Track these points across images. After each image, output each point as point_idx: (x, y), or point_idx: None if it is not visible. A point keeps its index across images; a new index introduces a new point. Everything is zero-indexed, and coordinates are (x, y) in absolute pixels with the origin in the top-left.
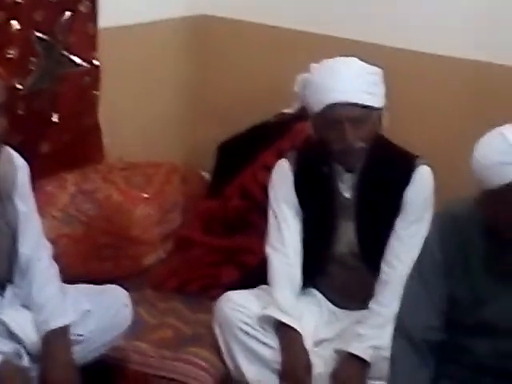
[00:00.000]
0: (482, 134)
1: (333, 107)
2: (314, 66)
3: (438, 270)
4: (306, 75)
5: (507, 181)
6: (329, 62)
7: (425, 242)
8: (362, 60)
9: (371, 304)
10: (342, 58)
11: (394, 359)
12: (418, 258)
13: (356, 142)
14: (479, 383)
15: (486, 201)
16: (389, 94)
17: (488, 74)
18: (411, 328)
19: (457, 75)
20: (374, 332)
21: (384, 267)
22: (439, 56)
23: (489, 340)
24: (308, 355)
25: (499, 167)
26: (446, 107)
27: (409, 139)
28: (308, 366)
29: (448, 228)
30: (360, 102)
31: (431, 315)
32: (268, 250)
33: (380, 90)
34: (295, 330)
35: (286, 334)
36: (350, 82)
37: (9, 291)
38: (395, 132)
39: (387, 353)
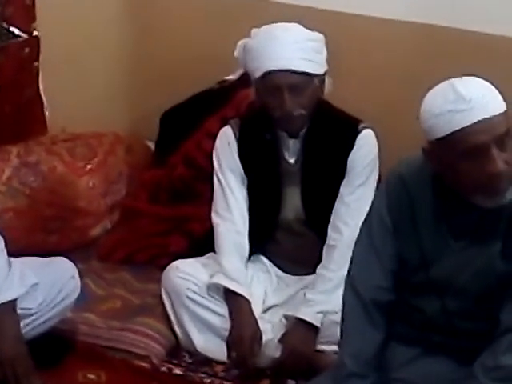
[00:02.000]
0: (424, 94)
1: (271, 74)
2: (254, 31)
3: (386, 232)
4: (246, 40)
5: (454, 128)
6: (268, 28)
7: (372, 204)
8: (306, 26)
9: (319, 269)
10: (281, 24)
11: (344, 320)
12: (367, 220)
13: (295, 109)
14: (428, 342)
15: (434, 151)
16: (334, 59)
17: (434, 36)
18: (361, 289)
19: (402, 39)
20: (322, 297)
21: (331, 232)
22: (384, 19)
23: (438, 299)
24: (256, 323)
25: (447, 115)
26: (392, 71)
27: (355, 104)
28: (255, 334)
29: (395, 189)
30: (298, 69)
31: (380, 276)
32: (214, 217)
33: (321, 56)
34: (243, 297)
35: (234, 301)
36: (288, 49)
37: None
38: (341, 97)
39: (336, 317)
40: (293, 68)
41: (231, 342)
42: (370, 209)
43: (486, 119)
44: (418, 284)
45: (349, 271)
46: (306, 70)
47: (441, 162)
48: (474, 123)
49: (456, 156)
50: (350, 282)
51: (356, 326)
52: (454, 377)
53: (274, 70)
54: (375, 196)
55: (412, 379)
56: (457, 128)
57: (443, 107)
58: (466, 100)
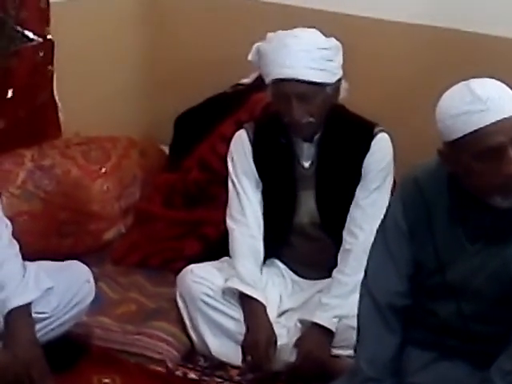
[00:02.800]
0: (438, 97)
1: (280, 82)
2: (269, 35)
3: (402, 237)
4: (260, 44)
5: (471, 129)
6: (281, 35)
7: (388, 209)
8: (321, 30)
9: (335, 273)
10: (296, 30)
11: (360, 325)
12: (382, 225)
13: (304, 117)
14: (444, 346)
15: (450, 153)
16: (347, 63)
17: (445, 39)
18: (377, 294)
19: (414, 41)
20: (337, 301)
21: (346, 237)
22: (397, 22)
23: (453, 302)
24: (271, 327)
25: (463, 116)
26: (404, 74)
27: (367, 107)
28: (270, 338)
29: (410, 193)
30: (308, 79)
31: (396, 281)
32: (229, 222)
33: (333, 64)
34: (258, 302)
35: (249, 305)
36: (296, 58)
37: None
38: (354, 100)
39: (351, 322)
40: (300, 78)
41: (246, 347)
42: (386, 214)
43: (502, 120)
44: (433, 288)
45: (364, 276)
46: (315, 80)
47: (457, 163)
48: (491, 124)
49: (472, 157)
50: (366, 286)
51: (372, 330)
52: (470, 381)
53: (282, 79)
54: (390, 201)
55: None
56: (473, 129)
57: (460, 108)
58: (483, 101)
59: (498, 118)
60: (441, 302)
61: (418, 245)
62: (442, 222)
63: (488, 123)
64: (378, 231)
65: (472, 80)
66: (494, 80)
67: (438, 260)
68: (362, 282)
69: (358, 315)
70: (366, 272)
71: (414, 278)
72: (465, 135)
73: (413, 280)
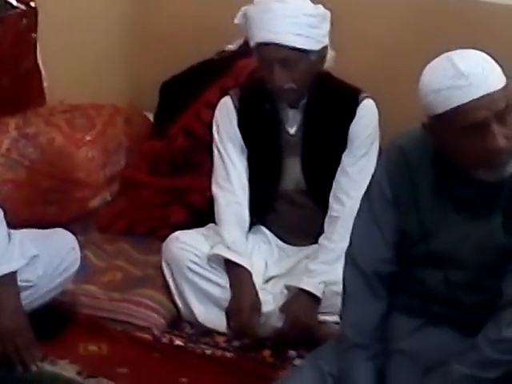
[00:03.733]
0: (424, 65)
1: (264, 46)
2: None
3: (387, 204)
4: (247, 8)
5: (454, 105)
6: None
7: (373, 176)
8: None
9: (321, 240)
10: None
11: (345, 292)
12: (367, 192)
13: (286, 83)
14: (431, 312)
15: (434, 127)
16: (336, 32)
17: (434, 6)
18: (362, 261)
19: (398, 8)
20: (324, 267)
21: (333, 203)
22: None
23: (440, 271)
24: (256, 293)
25: (445, 91)
26: (386, 39)
27: (354, 75)
28: (254, 304)
29: (396, 161)
30: (291, 44)
31: (382, 248)
32: (214, 188)
33: (318, 31)
34: (244, 268)
35: (234, 271)
36: (280, 23)
37: None
38: (340, 68)
39: (338, 288)
40: (283, 43)
41: (230, 312)
42: (371, 181)
43: (485, 95)
44: (419, 256)
45: (350, 243)
46: (299, 46)
47: (441, 137)
48: (474, 100)
49: (456, 132)
50: (351, 254)
51: (357, 297)
52: (456, 347)
53: (265, 43)
54: (375, 168)
55: (414, 350)
56: (456, 104)
57: (442, 83)
58: (465, 76)
59: (481, 94)
60: (427, 271)
61: (402, 214)
62: (426, 192)
63: (471, 99)
64: (363, 197)
65: (454, 52)
66: (477, 52)
67: (423, 229)
68: (347, 250)
69: (343, 283)
70: (350, 239)
71: (399, 245)
72: (447, 111)
73: (399, 247)
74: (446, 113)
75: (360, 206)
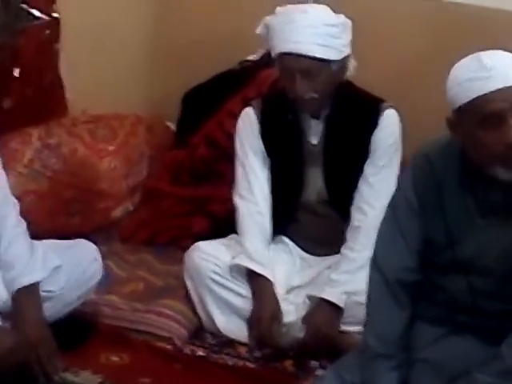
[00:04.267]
0: (445, 73)
1: (285, 56)
2: (278, 9)
3: (412, 212)
4: (269, 18)
5: (474, 95)
6: (289, 9)
7: (398, 185)
8: (331, 6)
9: (343, 250)
10: (304, 5)
11: (369, 301)
12: (392, 201)
13: (307, 93)
14: (454, 321)
15: (457, 121)
16: (358, 42)
17: (450, 13)
18: (386, 269)
19: (419, 16)
20: (346, 277)
21: (355, 213)
22: None
23: (463, 278)
24: (277, 304)
25: (467, 82)
26: (407, 49)
27: (376, 84)
28: (275, 314)
29: (421, 169)
30: (310, 54)
31: (406, 256)
32: (236, 199)
33: (340, 41)
34: (266, 278)
35: (256, 282)
36: (301, 33)
37: None
38: (362, 77)
39: (360, 298)
40: (304, 53)
41: (250, 322)
42: (396, 189)
43: (506, 88)
44: (443, 263)
45: (374, 252)
46: (320, 56)
47: (462, 132)
48: (494, 91)
49: (475, 124)
50: (376, 262)
51: (381, 306)
52: (479, 356)
53: (286, 53)
54: (401, 176)
55: (437, 359)
56: (476, 95)
57: (465, 75)
58: (487, 68)
59: (501, 86)
60: (450, 278)
61: (429, 221)
62: (452, 198)
63: (491, 90)
64: (388, 207)
65: (483, 52)
66: (504, 52)
67: (448, 236)
68: (372, 258)
69: (368, 291)
70: (374, 248)
71: (423, 253)
72: (469, 101)
73: (422, 256)
74: (467, 104)
75: (385, 214)
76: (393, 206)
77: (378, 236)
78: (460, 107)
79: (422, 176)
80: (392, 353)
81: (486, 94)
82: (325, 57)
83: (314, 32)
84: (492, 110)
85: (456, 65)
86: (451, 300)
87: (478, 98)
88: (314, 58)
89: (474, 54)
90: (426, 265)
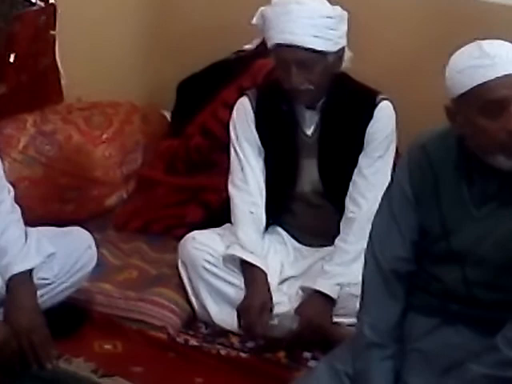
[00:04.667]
0: (441, 66)
1: (280, 48)
2: (275, 0)
3: (407, 203)
4: (264, 8)
5: (476, 83)
6: (285, 0)
7: (394, 174)
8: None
9: (337, 241)
10: None
11: (364, 290)
12: (388, 191)
13: (302, 84)
14: (448, 311)
15: (457, 109)
16: (353, 33)
17: (442, 5)
18: (380, 258)
19: (411, 7)
20: (340, 269)
21: (349, 205)
22: None
23: (458, 268)
24: (269, 294)
25: (470, 70)
26: (402, 41)
27: (371, 76)
28: (265, 304)
29: (417, 159)
30: (309, 46)
31: (400, 246)
32: (231, 189)
33: (336, 33)
34: (259, 268)
35: (249, 272)
36: (298, 25)
37: None
38: (358, 69)
39: (353, 290)
40: (300, 44)
41: (240, 310)
42: (391, 179)
43: (508, 75)
44: (438, 253)
45: (369, 242)
46: (316, 47)
47: (462, 120)
48: (497, 78)
49: (477, 111)
50: (371, 251)
51: (376, 296)
52: (473, 347)
53: (282, 44)
54: (397, 167)
55: (431, 349)
56: (479, 82)
57: (467, 63)
58: (490, 56)
59: (505, 73)
60: (445, 268)
61: (424, 211)
62: (448, 188)
63: (494, 77)
64: (383, 197)
65: (484, 41)
66: (504, 41)
67: (443, 226)
68: (367, 247)
69: (363, 280)
70: (370, 237)
71: (418, 244)
72: (470, 89)
73: (417, 246)
74: (468, 91)
75: (380, 204)
76: (388, 197)
77: (372, 226)
78: (461, 95)
79: (418, 166)
80: (386, 343)
81: (488, 81)
82: (321, 48)
83: (310, 23)
84: (495, 97)
85: (456, 53)
86: (446, 290)
87: (480, 85)
88: (310, 50)
89: (474, 43)
90: (422, 255)
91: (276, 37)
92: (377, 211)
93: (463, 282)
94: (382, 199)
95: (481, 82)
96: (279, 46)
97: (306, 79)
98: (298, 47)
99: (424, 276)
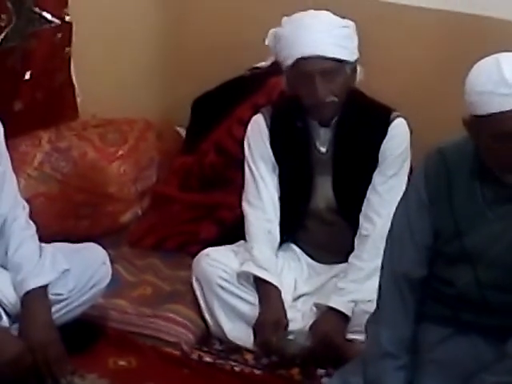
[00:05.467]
0: (456, 84)
1: (303, 61)
2: (284, 19)
3: (422, 207)
4: (277, 29)
5: (491, 111)
6: (299, 16)
7: (412, 180)
8: (333, 13)
9: (351, 258)
10: (311, 11)
11: (380, 298)
12: (404, 196)
13: (327, 96)
14: (460, 321)
15: (472, 124)
16: (362, 47)
17: (459, 23)
18: (394, 263)
19: (428, 25)
20: (354, 286)
21: (363, 222)
22: (416, 7)
23: (470, 269)
24: (283, 310)
25: (487, 96)
26: (419, 58)
27: (382, 92)
28: (279, 321)
29: (434, 163)
30: (331, 55)
31: (413, 251)
32: (245, 206)
33: (352, 43)
34: (273, 285)
35: (263, 289)
36: (319, 35)
37: None
38: (369, 85)
39: (367, 307)
40: (324, 54)
41: (255, 327)
42: (408, 185)
43: None
44: (451, 254)
45: (385, 247)
46: (338, 56)
47: (477, 136)
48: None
49: (491, 136)
50: (386, 256)
51: (389, 305)
52: (486, 356)
53: (305, 57)
54: (413, 173)
55: (445, 359)
56: (494, 111)
57: (485, 86)
58: (509, 84)
59: None
60: (458, 270)
61: (438, 212)
62: (462, 189)
63: (510, 108)
64: (399, 202)
65: (504, 56)
66: None
67: (457, 226)
68: (384, 253)
69: (379, 288)
70: (386, 242)
71: (431, 247)
72: (485, 115)
73: (431, 250)
74: (484, 116)
75: (396, 208)
76: (404, 200)
77: (388, 231)
78: (478, 115)
79: (434, 170)
80: (400, 353)
81: (503, 112)
82: (342, 57)
83: (330, 34)
84: (508, 129)
85: (475, 68)
86: (458, 295)
87: (494, 114)
88: (332, 59)
89: (494, 59)
90: (434, 258)
91: (297, 52)
92: (393, 215)
93: (475, 284)
94: (398, 203)
95: (496, 111)
96: (301, 60)
97: (329, 90)
98: (321, 57)
99: (436, 283)
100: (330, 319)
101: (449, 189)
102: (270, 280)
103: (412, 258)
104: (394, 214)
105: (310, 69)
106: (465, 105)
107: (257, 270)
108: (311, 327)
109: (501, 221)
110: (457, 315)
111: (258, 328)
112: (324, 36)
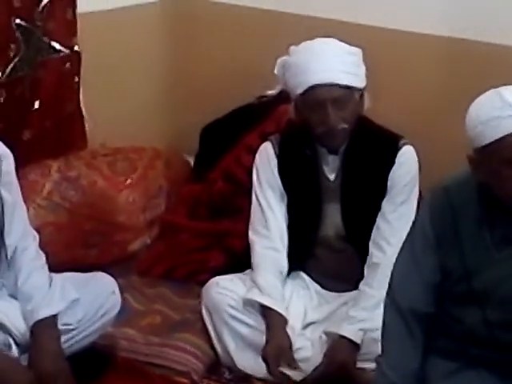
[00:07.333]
0: (464, 110)
1: (314, 89)
2: (292, 48)
3: (428, 245)
4: (285, 58)
5: (500, 135)
6: (308, 44)
7: (417, 217)
8: (340, 40)
9: (362, 286)
10: (320, 39)
11: (384, 331)
12: (410, 233)
13: (338, 123)
14: (469, 355)
15: (480, 159)
16: (369, 74)
17: (465, 50)
18: (400, 300)
19: (434, 53)
20: (364, 314)
21: (373, 250)
22: (420, 34)
23: (479, 309)
24: (286, 338)
25: (493, 122)
26: (427, 86)
27: (389, 118)
28: (281, 350)
29: (439, 201)
30: (341, 83)
31: (420, 288)
32: (251, 235)
33: (360, 70)
34: (277, 313)
35: (268, 316)
36: (330, 63)
37: None
38: (376, 111)
39: (377, 335)
40: (336, 81)
41: (262, 356)
42: (414, 222)
43: None
44: (459, 294)
45: (390, 283)
46: (349, 84)
47: (486, 169)
48: None
49: (501, 162)
50: (390, 294)
51: (396, 338)
52: None
53: (317, 85)
54: (419, 209)
55: None
56: (503, 134)
57: (490, 114)
58: None
59: None
60: (466, 310)
61: (445, 252)
62: (469, 230)
63: None
64: (405, 239)
65: (501, 87)
66: None
67: (465, 267)
68: (388, 289)
69: (383, 323)
70: (391, 278)
71: (439, 285)
72: (494, 141)
73: (438, 288)
74: (492, 143)
75: (402, 246)
76: (410, 238)
77: (394, 267)
78: (485, 146)
79: (440, 208)
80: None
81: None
82: (353, 84)
83: (340, 60)
84: None
85: (475, 103)
86: (467, 332)
87: (504, 137)
88: (343, 86)
89: (493, 91)
90: (443, 296)
91: (309, 79)
92: (399, 252)
93: (484, 324)
94: (404, 241)
95: (504, 134)
96: (313, 88)
97: (341, 118)
98: (333, 85)
99: (445, 319)
100: (344, 348)
101: (455, 231)
102: (273, 307)
103: (419, 296)
104: (399, 251)
105: (321, 97)
106: (468, 141)
107: (260, 297)
108: (325, 355)
109: (509, 261)
110: (465, 350)
111: (263, 356)
112: (333, 63)
